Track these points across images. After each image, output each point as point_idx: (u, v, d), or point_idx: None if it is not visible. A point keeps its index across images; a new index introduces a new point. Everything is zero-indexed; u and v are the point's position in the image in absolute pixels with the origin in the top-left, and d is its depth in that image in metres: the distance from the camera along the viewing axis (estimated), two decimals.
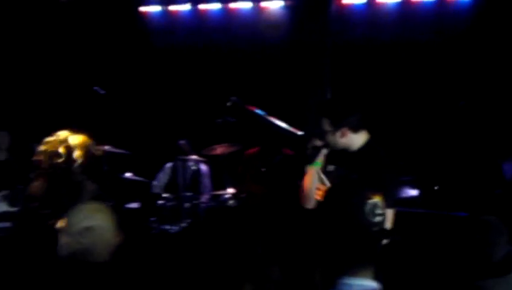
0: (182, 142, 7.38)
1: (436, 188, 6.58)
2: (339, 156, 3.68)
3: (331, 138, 3.62)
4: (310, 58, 7.23)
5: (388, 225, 3.31)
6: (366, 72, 7.48)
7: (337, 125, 3.57)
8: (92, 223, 2.73)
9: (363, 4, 7.61)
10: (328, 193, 2.19)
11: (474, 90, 7.26)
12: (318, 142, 3.71)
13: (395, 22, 7.46)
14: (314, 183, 3.67)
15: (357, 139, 3.64)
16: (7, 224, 5.10)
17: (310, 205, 3.67)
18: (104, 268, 2.66)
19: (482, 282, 2.86)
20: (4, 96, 7.50)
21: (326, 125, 3.60)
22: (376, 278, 2.08)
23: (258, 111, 5.84)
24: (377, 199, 2.06)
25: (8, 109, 7.32)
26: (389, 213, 3.32)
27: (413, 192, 6.50)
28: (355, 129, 3.60)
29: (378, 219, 2.05)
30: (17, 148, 6.01)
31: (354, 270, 2.06)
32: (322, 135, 3.65)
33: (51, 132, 7.56)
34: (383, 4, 7.56)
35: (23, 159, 6.10)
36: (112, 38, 8.19)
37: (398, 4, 7.52)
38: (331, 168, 3.72)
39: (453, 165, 6.87)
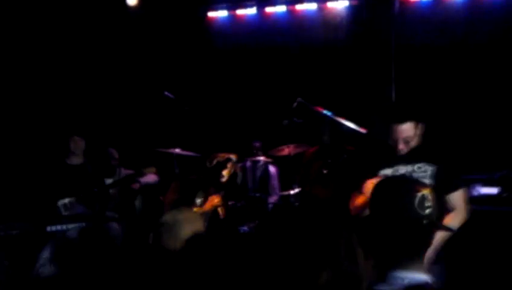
0: (256, 143, 7.48)
1: None
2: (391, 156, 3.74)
3: (415, 140, 3.67)
4: (374, 57, 7.17)
5: (461, 203, 3.63)
6: (431, 71, 7.27)
7: (420, 126, 3.67)
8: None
9: (430, 1, 7.41)
10: (377, 188, 2.20)
11: None
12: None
13: (462, 20, 7.19)
14: None
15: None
16: (83, 224, 5.34)
17: None
18: (177, 257, 2.78)
19: None
20: (78, 102, 7.82)
21: (412, 130, 3.63)
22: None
23: (325, 111, 5.84)
24: (425, 192, 2.06)
25: (83, 114, 7.63)
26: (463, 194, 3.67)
27: (493, 190, 6.31)
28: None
29: (427, 211, 2.05)
30: (92, 153, 6.24)
31: (405, 263, 2.06)
32: (406, 142, 3.66)
33: (124, 137, 7.88)
34: (449, 2, 7.29)
35: (98, 163, 6.35)
36: (180, 43, 8.41)
37: (466, 1, 7.22)
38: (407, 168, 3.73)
39: None
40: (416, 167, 3.69)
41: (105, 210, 6.06)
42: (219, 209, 5.31)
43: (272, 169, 7.54)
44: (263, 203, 6.99)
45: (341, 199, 5.97)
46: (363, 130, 5.74)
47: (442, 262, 3.58)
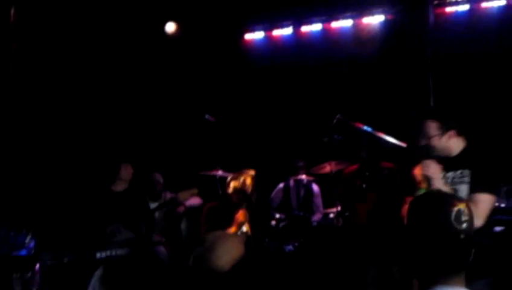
0: (299, 162, 7.50)
1: None
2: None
3: (437, 142, 3.70)
4: (411, 71, 7.14)
5: (485, 208, 3.52)
6: (469, 81, 7.19)
7: (445, 129, 3.67)
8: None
9: (465, 11, 7.35)
10: (414, 203, 2.21)
11: None
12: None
13: (497, 29, 7.10)
14: None
15: (458, 144, 3.76)
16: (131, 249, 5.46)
17: None
18: (225, 278, 2.82)
19: None
20: (125, 129, 8.01)
21: (433, 130, 3.68)
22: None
23: (365, 127, 5.86)
24: (461, 206, 2.06)
25: (129, 140, 7.80)
26: (486, 198, 3.54)
27: None
28: (459, 133, 3.72)
29: (464, 225, 2.05)
30: (137, 178, 6.35)
31: (445, 278, 2.06)
32: (427, 140, 3.72)
33: (167, 161, 8.00)
34: (485, 9, 7.21)
35: (142, 188, 6.46)
36: (219, 67, 8.54)
37: (502, 9, 7.14)
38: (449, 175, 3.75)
39: None
40: (459, 172, 3.71)
41: (152, 234, 6.15)
42: (246, 226, 5.35)
43: (315, 187, 7.55)
44: (307, 221, 6.98)
45: (381, 210, 5.99)
46: (403, 144, 5.74)
47: (489, 277, 3.54)
